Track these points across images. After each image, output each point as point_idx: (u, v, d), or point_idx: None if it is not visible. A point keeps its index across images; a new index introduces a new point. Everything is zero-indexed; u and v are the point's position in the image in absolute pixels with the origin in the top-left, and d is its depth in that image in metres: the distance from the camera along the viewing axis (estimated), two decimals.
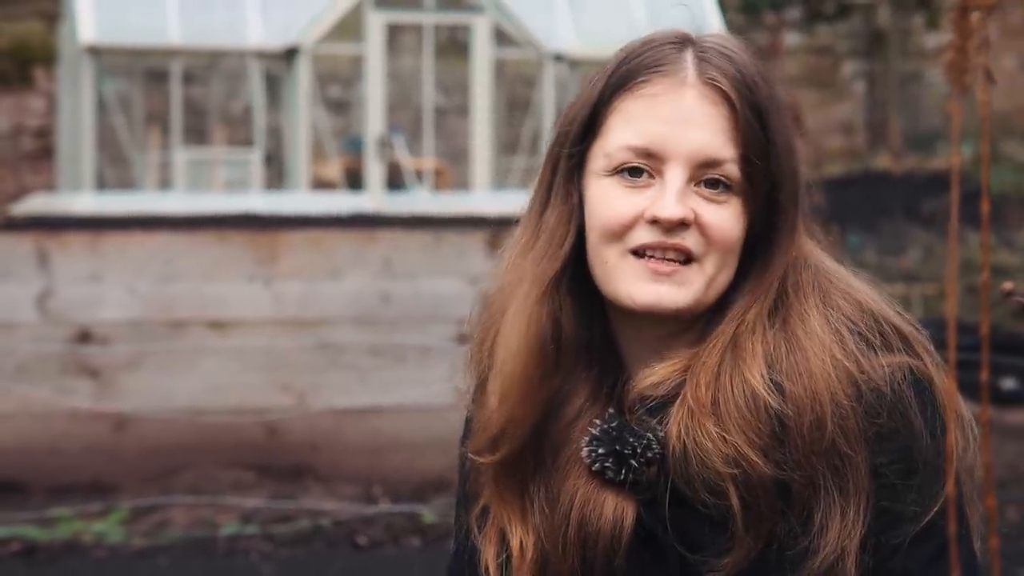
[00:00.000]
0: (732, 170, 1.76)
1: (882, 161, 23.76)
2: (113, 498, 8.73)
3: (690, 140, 1.76)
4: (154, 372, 9.54)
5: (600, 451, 1.80)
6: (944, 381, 1.80)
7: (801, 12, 24.61)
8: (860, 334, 1.78)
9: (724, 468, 1.71)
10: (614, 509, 1.78)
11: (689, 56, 1.80)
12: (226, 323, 9.72)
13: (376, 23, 17.23)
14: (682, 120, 1.76)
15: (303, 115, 17.37)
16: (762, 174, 1.77)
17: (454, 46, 19.83)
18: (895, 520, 1.73)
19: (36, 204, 16.41)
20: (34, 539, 8.01)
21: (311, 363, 9.68)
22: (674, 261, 1.77)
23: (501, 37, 17.63)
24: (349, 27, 17.40)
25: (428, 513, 8.03)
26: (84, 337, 9.53)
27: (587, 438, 1.81)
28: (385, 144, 17.24)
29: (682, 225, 1.76)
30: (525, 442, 1.83)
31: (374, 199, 16.24)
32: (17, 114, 23.60)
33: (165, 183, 18.23)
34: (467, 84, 18.05)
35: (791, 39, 25.17)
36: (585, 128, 1.82)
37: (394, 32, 18.36)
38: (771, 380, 1.73)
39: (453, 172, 18.94)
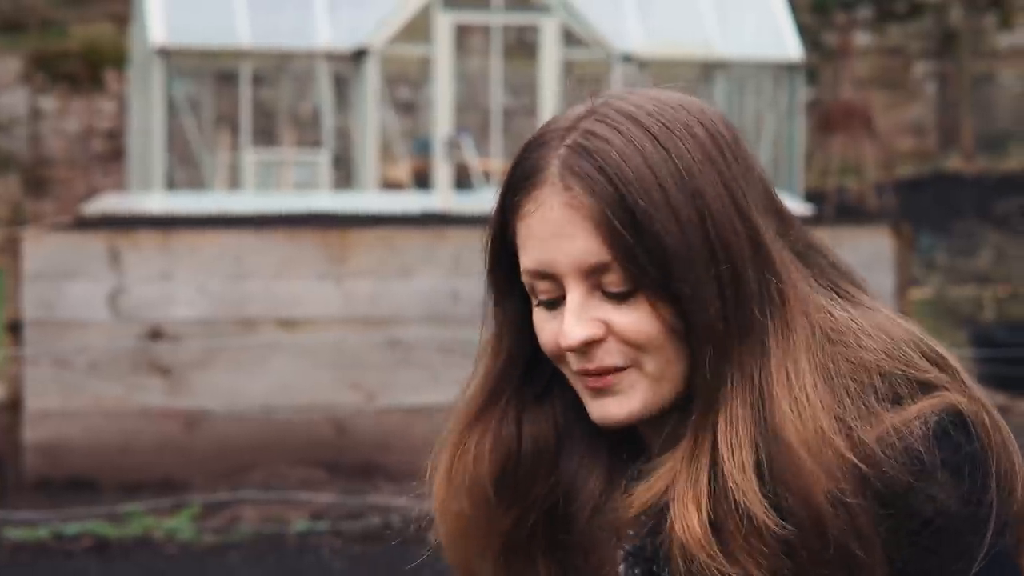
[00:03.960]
0: (620, 271, 1.63)
1: (953, 162, 23.59)
2: (184, 495, 8.75)
3: (567, 253, 1.63)
4: (225, 370, 9.56)
5: (636, 571, 1.71)
6: (984, 412, 1.65)
7: (872, 12, 24.44)
8: (867, 404, 1.62)
9: None
10: None
11: (558, 157, 1.65)
12: (297, 321, 9.73)
13: (444, 24, 17.24)
14: (554, 235, 1.64)
15: (371, 116, 17.40)
16: (646, 270, 1.62)
17: (522, 47, 19.82)
18: None
19: (107, 204, 16.52)
20: (106, 535, 8.04)
21: (381, 361, 9.67)
22: (607, 374, 1.65)
23: (569, 37, 17.60)
24: (417, 28, 17.41)
25: None
26: (155, 335, 9.56)
27: (622, 552, 1.73)
28: (453, 145, 17.24)
29: (595, 343, 1.65)
30: (491, 570, 1.76)
31: (443, 199, 16.25)
32: (88, 116, 23.76)
33: (234, 184, 18.31)
34: (535, 85, 18.03)
35: (862, 39, 25.01)
36: (499, 245, 1.72)
37: (462, 33, 18.37)
38: (767, 496, 1.60)
39: None
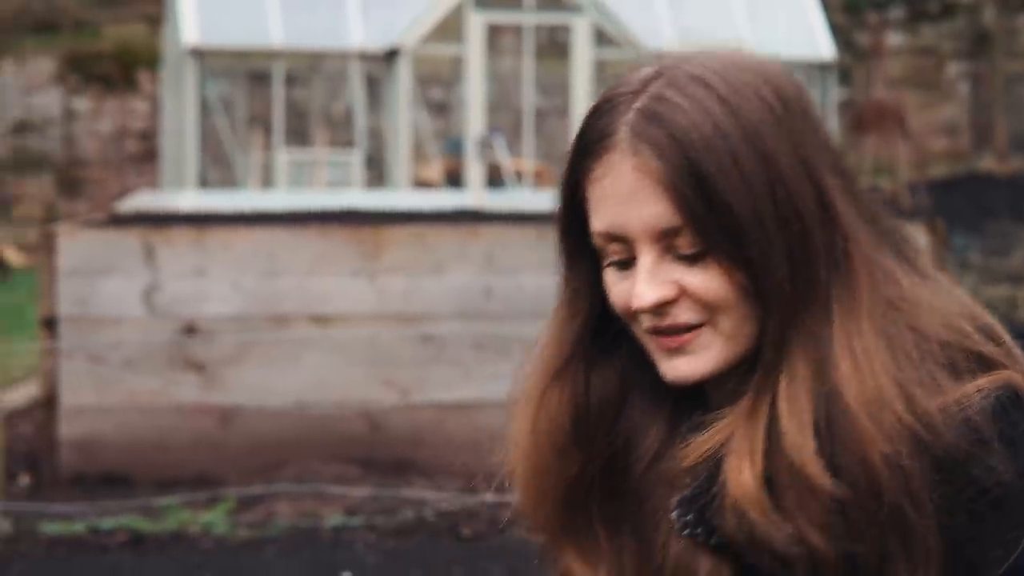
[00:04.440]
0: (690, 234, 1.65)
1: (987, 163, 23.51)
2: (219, 490, 8.77)
3: (638, 217, 1.65)
4: (259, 366, 9.58)
5: (688, 517, 1.70)
6: None
7: (904, 12, 24.37)
8: (927, 372, 1.63)
9: (787, 549, 1.61)
10: (708, 572, 1.69)
11: (627, 123, 1.67)
12: (330, 318, 9.75)
13: (476, 24, 17.26)
14: (625, 199, 1.66)
15: (403, 116, 17.43)
16: (716, 234, 1.64)
17: (554, 47, 19.82)
18: (975, 564, 1.63)
19: (141, 201, 16.56)
20: (141, 529, 8.06)
21: (414, 357, 9.68)
22: (682, 332, 1.67)
23: (601, 37, 17.60)
24: (450, 28, 17.44)
25: None
26: (190, 331, 9.59)
27: (676, 499, 1.72)
28: (485, 145, 17.25)
29: (667, 303, 1.66)
30: (552, 524, 1.79)
31: (475, 196, 16.26)
32: (121, 116, 23.86)
33: (267, 184, 18.35)
34: (567, 85, 18.04)
35: (894, 39, 24.94)
36: (569, 208, 1.73)
37: (494, 33, 18.39)
38: (823, 455, 1.60)
39: (554, 174, 18.95)
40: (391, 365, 9.66)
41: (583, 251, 1.74)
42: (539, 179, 18.29)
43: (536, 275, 9.64)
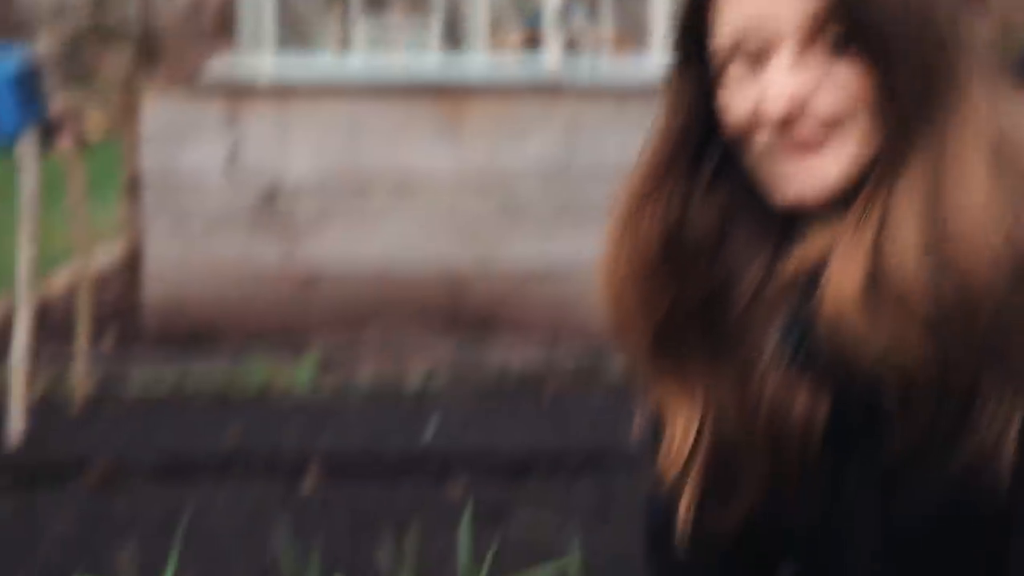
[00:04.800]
0: (836, 31, 1.62)
1: None
2: (302, 351, 8.85)
3: (782, 14, 1.63)
4: (341, 231, 9.61)
5: (788, 343, 1.69)
6: None
7: None
8: None
9: (879, 366, 1.60)
10: (806, 404, 1.68)
11: None
12: (411, 184, 9.75)
13: None
14: None
15: None
16: (859, 30, 1.62)
17: None
18: None
19: (221, 68, 16.54)
20: (225, 388, 8.15)
21: (496, 223, 9.68)
22: (805, 146, 1.65)
23: None
24: None
25: (613, 366, 8.01)
26: (271, 197, 9.63)
27: (778, 325, 1.71)
28: (564, 15, 17.10)
29: (796, 112, 1.64)
30: (646, 353, 1.78)
31: (555, 65, 16.14)
32: None
33: (345, 52, 18.28)
34: None
35: None
36: (692, 18, 1.71)
37: None
38: (924, 277, 1.59)
39: (632, 44, 18.78)
40: (473, 231, 9.66)
41: (695, 65, 1.71)
42: (619, 47, 18.15)
43: (617, 141, 9.59)
